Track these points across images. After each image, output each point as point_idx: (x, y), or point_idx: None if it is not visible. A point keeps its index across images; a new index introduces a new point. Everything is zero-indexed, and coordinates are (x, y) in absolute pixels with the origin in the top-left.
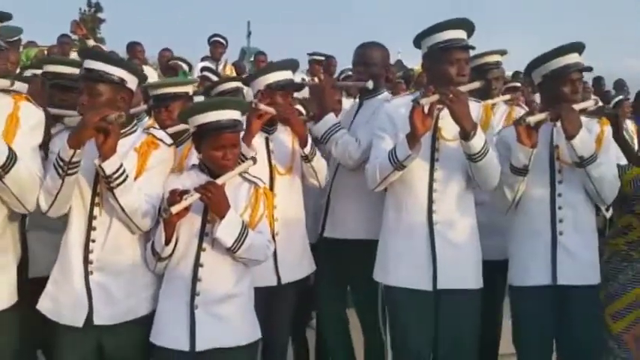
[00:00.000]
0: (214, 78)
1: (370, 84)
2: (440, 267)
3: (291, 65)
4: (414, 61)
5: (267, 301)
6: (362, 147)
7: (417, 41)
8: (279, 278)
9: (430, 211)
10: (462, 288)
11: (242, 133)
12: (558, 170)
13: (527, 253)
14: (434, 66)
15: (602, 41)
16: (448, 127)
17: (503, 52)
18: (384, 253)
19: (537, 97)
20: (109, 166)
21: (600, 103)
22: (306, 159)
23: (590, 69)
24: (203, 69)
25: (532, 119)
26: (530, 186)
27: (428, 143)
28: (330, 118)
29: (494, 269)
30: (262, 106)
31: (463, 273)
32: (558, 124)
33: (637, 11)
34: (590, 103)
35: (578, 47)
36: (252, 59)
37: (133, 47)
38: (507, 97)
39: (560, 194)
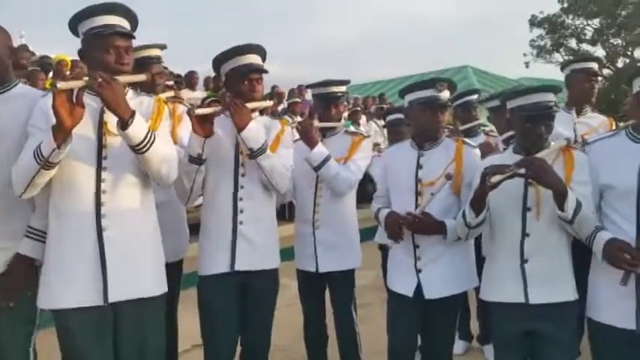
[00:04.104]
0: None
1: None
2: (111, 277)
3: None
4: (40, 44)
5: None
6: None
7: (73, 25)
8: None
9: (98, 216)
10: (139, 297)
11: None
12: (242, 164)
13: (212, 243)
14: (90, 53)
15: None
16: (115, 120)
17: (163, 47)
18: (45, 269)
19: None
20: None
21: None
22: None
23: (266, 71)
24: None
25: (199, 112)
26: (217, 180)
27: (93, 138)
28: None
29: None
30: None
31: (138, 280)
32: None
33: None
34: (267, 104)
35: (256, 49)
36: None
37: None
38: (171, 93)
39: (243, 186)
